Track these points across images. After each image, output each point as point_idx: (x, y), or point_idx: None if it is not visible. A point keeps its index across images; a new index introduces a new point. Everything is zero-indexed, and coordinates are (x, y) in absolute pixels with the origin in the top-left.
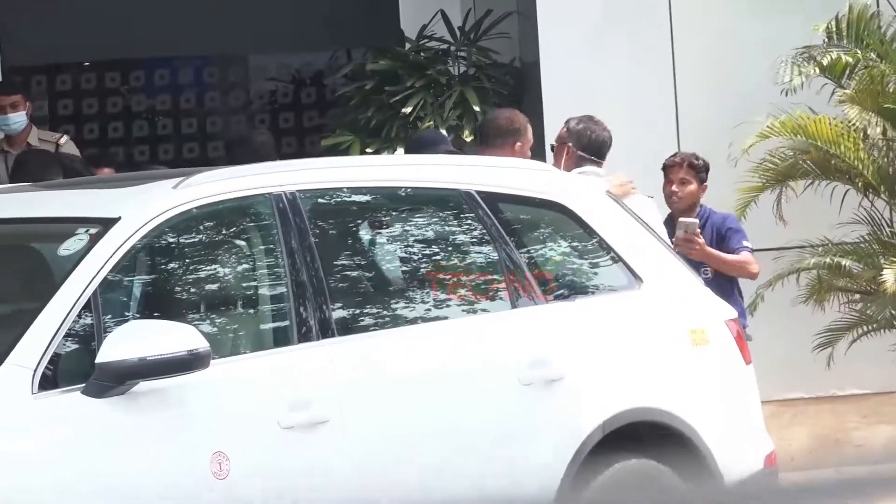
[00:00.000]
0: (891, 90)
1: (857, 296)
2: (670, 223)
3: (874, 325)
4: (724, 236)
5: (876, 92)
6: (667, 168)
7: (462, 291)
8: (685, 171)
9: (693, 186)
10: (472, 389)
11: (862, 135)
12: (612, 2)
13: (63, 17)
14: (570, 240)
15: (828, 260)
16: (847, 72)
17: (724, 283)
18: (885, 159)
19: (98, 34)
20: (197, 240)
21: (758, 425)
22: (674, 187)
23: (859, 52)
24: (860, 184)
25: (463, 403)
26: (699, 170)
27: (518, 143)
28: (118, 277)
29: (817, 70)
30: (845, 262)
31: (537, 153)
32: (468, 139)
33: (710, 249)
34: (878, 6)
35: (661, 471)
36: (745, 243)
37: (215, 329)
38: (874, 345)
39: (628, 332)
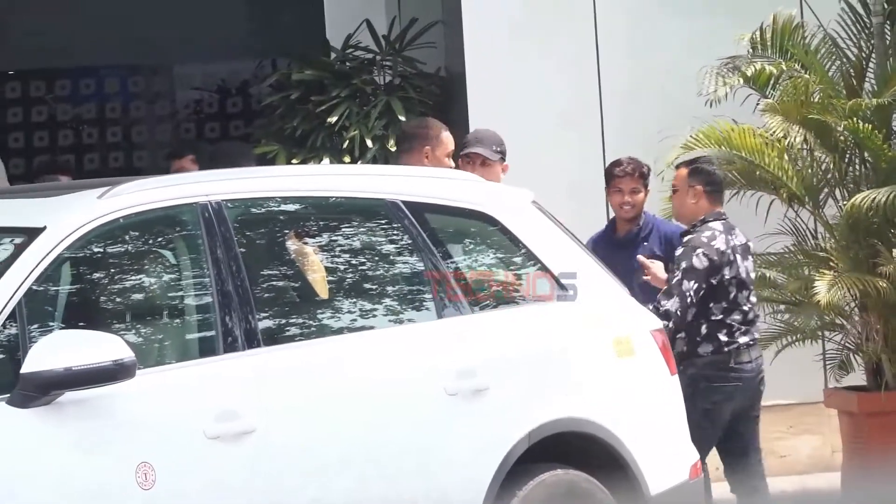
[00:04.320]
0: (815, 100)
1: (783, 306)
2: (611, 230)
3: (800, 336)
4: (675, 247)
5: (800, 102)
6: (616, 178)
7: (388, 301)
8: (635, 180)
9: (642, 195)
10: (399, 399)
11: (787, 145)
12: (538, 11)
13: None
14: (496, 250)
15: None
16: (771, 82)
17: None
18: (810, 170)
19: (23, 43)
20: (123, 250)
21: (682, 436)
22: (626, 197)
23: (783, 62)
24: (784, 194)
25: (389, 414)
26: (646, 177)
27: (426, 147)
28: (43, 287)
29: (741, 80)
30: (770, 273)
31: None
32: (393, 149)
33: (663, 276)
34: (802, 17)
35: (588, 482)
36: None
37: (141, 339)
38: (799, 355)
39: (554, 343)
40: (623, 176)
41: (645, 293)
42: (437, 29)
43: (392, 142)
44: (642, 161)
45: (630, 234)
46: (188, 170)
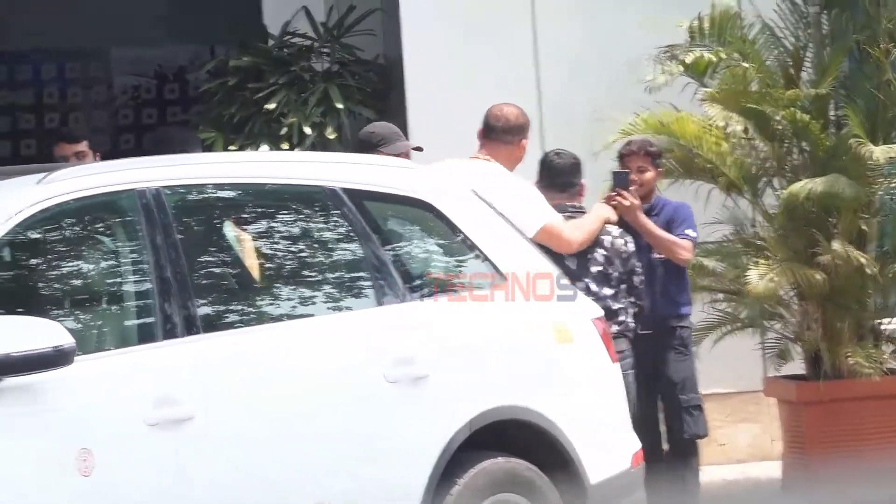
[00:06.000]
0: (753, 89)
1: (721, 295)
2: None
3: (738, 325)
4: (670, 223)
5: (738, 91)
6: (623, 157)
7: (328, 289)
8: (642, 158)
9: (651, 174)
10: (338, 386)
11: (725, 134)
12: None
13: None
14: (435, 237)
15: (692, 259)
16: (709, 70)
17: (672, 269)
18: (748, 158)
19: None
20: (61, 235)
21: (624, 424)
22: (632, 176)
23: (721, 51)
24: (723, 183)
25: (329, 401)
26: (655, 156)
27: (525, 140)
28: None
29: (681, 68)
30: (709, 262)
31: None
32: (331, 136)
33: (643, 217)
34: (739, 6)
35: (529, 470)
36: (687, 231)
37: (80, 325)
38: (739, 344)
39: (493, 330)
40: (629, 154)
41: (653, 270)
42: (376, 16)
43: (330, 129)
44: (653, 142)
45: None
46: (83, 155)
